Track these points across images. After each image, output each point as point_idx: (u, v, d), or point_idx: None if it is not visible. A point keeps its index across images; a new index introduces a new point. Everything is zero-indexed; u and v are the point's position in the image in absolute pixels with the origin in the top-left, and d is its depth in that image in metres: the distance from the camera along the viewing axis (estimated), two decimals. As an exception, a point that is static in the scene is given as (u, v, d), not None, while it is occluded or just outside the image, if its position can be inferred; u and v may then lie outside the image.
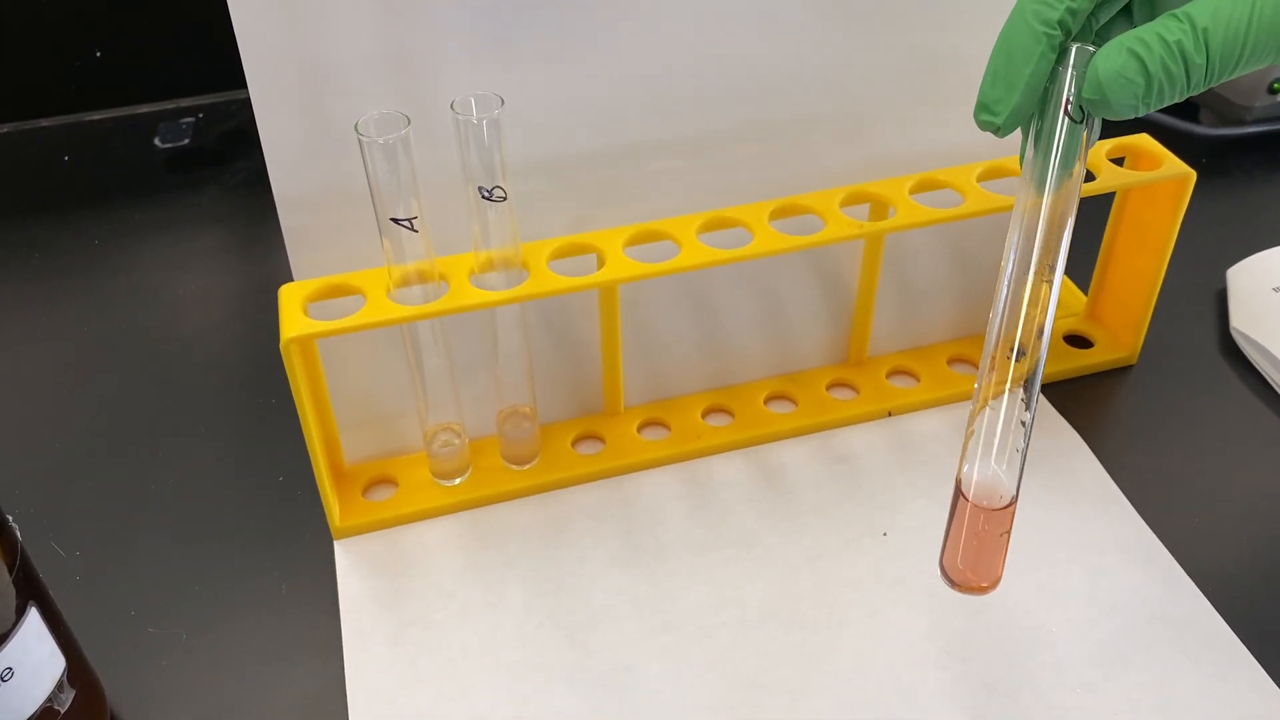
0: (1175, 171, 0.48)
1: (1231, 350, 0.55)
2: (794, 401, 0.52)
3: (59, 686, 0.36)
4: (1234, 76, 0.33)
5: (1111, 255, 0.54)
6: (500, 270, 0.43)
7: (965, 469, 0.35)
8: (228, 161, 0.72)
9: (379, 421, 0.48)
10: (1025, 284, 0.35)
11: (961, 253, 0.52)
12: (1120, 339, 0.55)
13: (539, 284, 0.43)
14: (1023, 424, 0.34)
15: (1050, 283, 0.35)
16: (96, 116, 0.77)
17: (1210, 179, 0.65)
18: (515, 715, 0.40)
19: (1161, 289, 0.52)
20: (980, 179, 0.48)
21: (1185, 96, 0.33)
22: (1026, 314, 0.34)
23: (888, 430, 0.51)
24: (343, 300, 0.43)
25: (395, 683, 0.41)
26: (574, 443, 0.50)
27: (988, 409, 0.34)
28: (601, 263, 0.44)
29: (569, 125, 0.43)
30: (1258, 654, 0.41)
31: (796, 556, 0.45)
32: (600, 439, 0.50)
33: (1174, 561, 0.45)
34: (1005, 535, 0.34)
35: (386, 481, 0.49)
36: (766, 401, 0.52)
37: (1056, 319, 0.47)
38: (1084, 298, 0.57)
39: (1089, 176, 0.48)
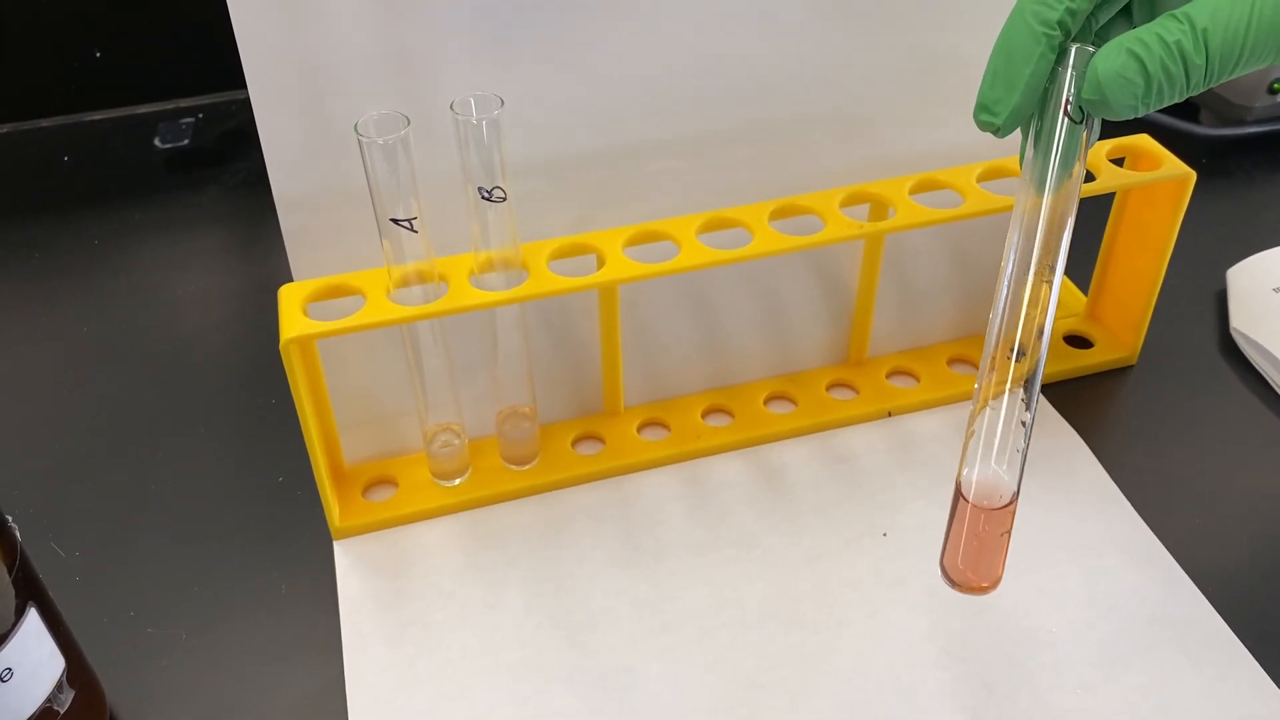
0: (1175, 172, 0.48)
1: (1231, 350, 0.55)
2: (794, 402, 0.52)
3: (58, 687, 0.36)
4: (1234, 77, 0.33)
5: (1111, 255, 0.54)
6: (500, 271, 0.43)
7: (965, 469, 0.35)
8: (228, 161, 0.72)
9: (379, 422, 0.48)
10: (1025, 284, 0.35)
11: (961, 253, 0.52)
12: (1120, 339, 0.55)
13: (539, 284, 0.43)
14: (1023, 424, 0.34)
15: (1050, 283, 0.35)
16: (96, 116, 0.77)
17: (1210, 179, 0.65)
18: (515, 716, 0.40)
19: (1161, 289, 0.52)
20: (980, 179, 0.48)
21: (1185, 97, 0.33)
22: (1026, 314, 0.34)
23: (888, 430, 0.51)
24: (342, 301, 0.43)
25: (395, 683, 0.41)
26: (574, 443, 0.50)
27: (988, 409, 0.34)
28: (601, 263, 0.44)
29: (569, 125, 0.43)
30: (1258, 654, 0.41)
31: (796, 557, 0.45)
32: (600, 439, 0.50)
33: (1174, 562, 0.45)
34: (1005, 535, 0.34)
35: (386, 482, 0.49)
36: (766, 402, 0.52)
37: (1056, 319, 0.47)
38: (1084, 298, 0.57)
39: (1089, 177, 0.47)
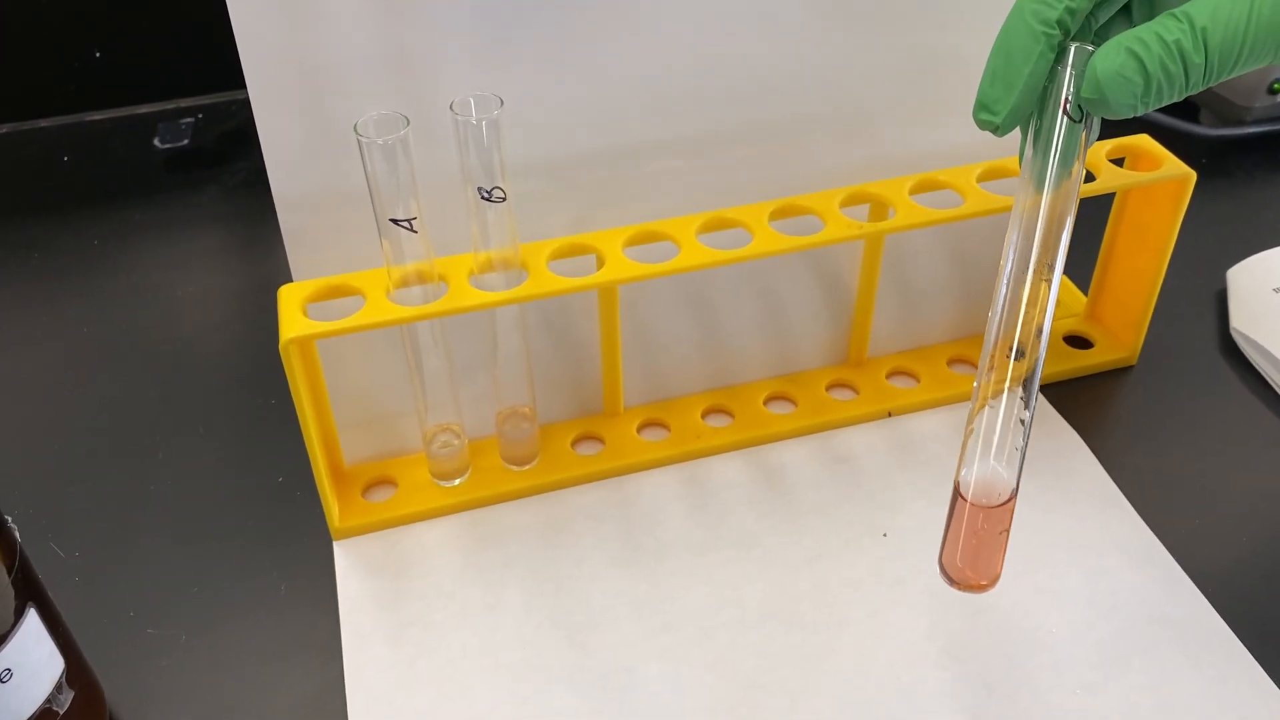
0: (1175, 172, 0.48)
1: (1231, 350, 0.55)
2: (794, 402, 0.52)
3: (58, 687, 0.36)
4: (1233, 76, 0.33)
5: (1111, 255, 0.54)
6: (500, 271, 0.43)
7: (964, 467, 0.35)
8: (227, 161, 0.72)
9: (378, 422, 0.48)
10: (1024, 284, 0.35)
11: (961, 253, 0.52)
12: (1120, 339, 0.55)
13: (538, 284, 0.43)
14: (1022, 422, 0.34)
15: (1049, 282, 0.35)
16: (96, 116, 0.77)
17: (1210, 179, 0.65)
18: (514, 716, 0.40)
19: (1161, 289, 0.52)
20: (980, 179, 0.48)
21: (1184, 96, 0.33)
22: (1025, 314, 0.34)
23: (888, 430, 0.51)
24: (342, 301, 0.43)
25: (394, 683, 0.41)
26: (573, 443, 0.50)
27: (987, 408, 0.34)
28: (601, 263, 0.44)
29: (569, 125, 0.43)
30: (1258, 655, 0.41)
31: (796, 557, 0.45)
32: (600, 439, 0.50)
33: (1174, 562, 0.45)
34: (1004, 533, 0.34)
35: (386, 482, 0.49)
36: (766, 402, 0.52)
37: (1056, 319, 0.47)
38: (1084, 298, 0.57)
39: (1089, 177, 0.47)
